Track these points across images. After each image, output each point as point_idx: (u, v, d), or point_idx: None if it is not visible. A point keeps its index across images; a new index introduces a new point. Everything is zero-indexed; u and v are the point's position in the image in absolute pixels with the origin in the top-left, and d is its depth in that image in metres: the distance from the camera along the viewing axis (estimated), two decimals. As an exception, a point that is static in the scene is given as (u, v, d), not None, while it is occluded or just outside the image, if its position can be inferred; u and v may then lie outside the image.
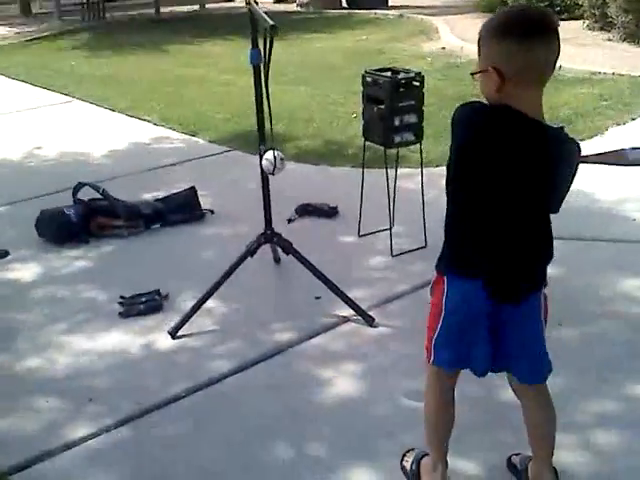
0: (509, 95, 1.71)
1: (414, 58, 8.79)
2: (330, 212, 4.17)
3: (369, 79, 3.64)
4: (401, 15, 12.44)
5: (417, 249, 3.69)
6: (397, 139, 3.59)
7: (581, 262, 3.52)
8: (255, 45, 2.93)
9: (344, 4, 14.12)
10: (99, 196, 4.17)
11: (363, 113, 3.74)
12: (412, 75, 3.59)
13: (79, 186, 4.21)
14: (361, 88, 3.69)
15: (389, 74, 3.61)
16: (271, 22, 2.63)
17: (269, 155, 2.83)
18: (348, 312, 3.10)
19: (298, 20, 12.46)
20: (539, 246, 1.88)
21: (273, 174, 2.87)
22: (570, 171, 1.80)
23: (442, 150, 4.88)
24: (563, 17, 10.19)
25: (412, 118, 3.58)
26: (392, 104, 3.51)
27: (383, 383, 2.70)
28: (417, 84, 3.57)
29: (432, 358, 1.97)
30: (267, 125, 2.95)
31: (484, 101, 1.78)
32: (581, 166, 1.80)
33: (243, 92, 7.42)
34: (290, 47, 9.59)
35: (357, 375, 2.75)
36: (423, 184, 3.69)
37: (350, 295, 3.10)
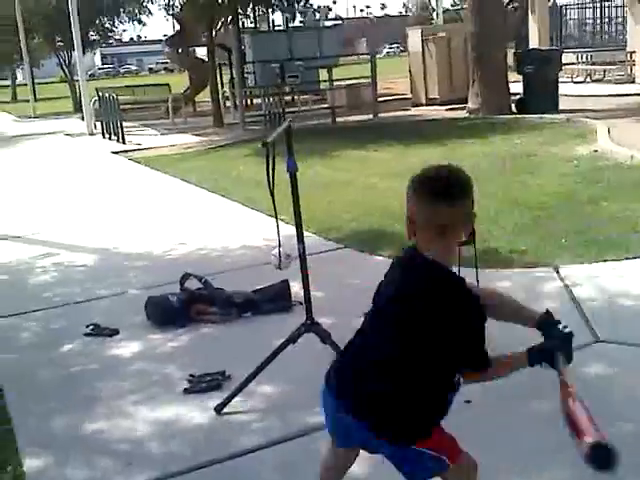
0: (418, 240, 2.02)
1: (562, 161, 8.77)
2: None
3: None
4: (568, 119, 12.36)
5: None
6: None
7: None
8: (291, 154, 3.27)
9: (514, 109, 14.29)
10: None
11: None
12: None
13: (186, 276, 4.73)
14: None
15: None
16: (268, 139, 2.92)
17: (275, 252, 3.13)
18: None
19: (462, 126, 12.78)
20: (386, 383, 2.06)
21: (280, 269, 3.14)
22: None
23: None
24: None
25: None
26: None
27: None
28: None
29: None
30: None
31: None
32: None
33: (378, 195, 7.82)
34: (444, 152, 9.92)
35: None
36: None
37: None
